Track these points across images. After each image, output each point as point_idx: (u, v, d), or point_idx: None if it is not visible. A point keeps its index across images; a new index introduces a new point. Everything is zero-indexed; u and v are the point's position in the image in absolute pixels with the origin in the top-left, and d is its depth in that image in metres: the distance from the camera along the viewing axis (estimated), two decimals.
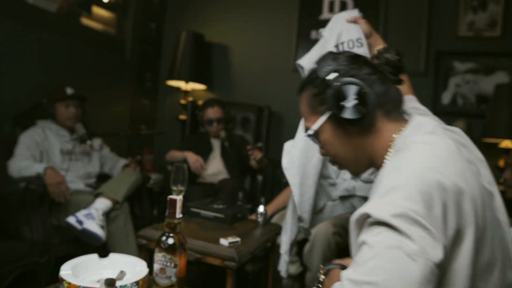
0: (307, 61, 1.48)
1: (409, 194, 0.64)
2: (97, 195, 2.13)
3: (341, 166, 0.90)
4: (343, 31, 1.38)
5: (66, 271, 1.02)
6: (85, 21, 3.03)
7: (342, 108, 0.78)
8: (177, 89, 3.53)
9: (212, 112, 2.74)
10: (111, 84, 3.18)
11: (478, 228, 0.67)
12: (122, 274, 1.10)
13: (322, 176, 1.47)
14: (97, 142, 2.48)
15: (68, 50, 2.73)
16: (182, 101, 3.34)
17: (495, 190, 0.80)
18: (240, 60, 3.51)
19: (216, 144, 2.83)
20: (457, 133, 0.84)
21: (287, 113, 3.31)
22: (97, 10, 3.14)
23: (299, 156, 1.43)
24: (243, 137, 3.05)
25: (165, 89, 3.70)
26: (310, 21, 3.20)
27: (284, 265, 1.59)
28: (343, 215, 1.56)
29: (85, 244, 1.97)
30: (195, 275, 1.71)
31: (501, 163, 2.67)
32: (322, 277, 0.90)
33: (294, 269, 2.16)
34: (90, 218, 1.94)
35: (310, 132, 0.87)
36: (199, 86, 3.43)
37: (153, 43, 3.63)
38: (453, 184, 0.66)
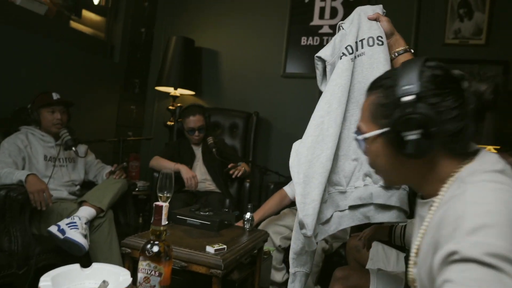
0: (324, 54, 1.36)
1: (503, 233, 0.60)
2: (80, 203, 2.08)
3: (377, 173, 0.86)
4: (364, 27, 1.30)
5: (46, 282, 0.98)
6: (74, 24, 3.00)
7: (402, 136, 0.73)
8: (165, 95, 3.50)
9: (193, 121, 2.72)
10: (98, 89, 3.14)
11: None
12: (104, 284, 1.07)
13: (331, 183, 1.33)
14: (82, 148, 2.43)
15: (55, 54, 2.68)
16: (171, 107, 3.31)
17: None
18: (229, 66, 3.50)
19: (197, 151, 2.81)
20: None
21: (275, 119, 3.30)
22: (86, 14, 3.11)
23: (305, 153, 1.29)
24: (232, 149, 3.03)
25: (153, 95, 3.67)
26: (301, 28, 3.21)
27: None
28: None
29: (67, 254, 1.91)
30: (180, 284, 1.68)
31: None
32: None
33: (281, 276, 2.14)
34: (73, 227, 1.89)
35: (361, 137, 0.83)
36: (188, 92, 3.41)
37: (142, 47, 3.60)
38: None
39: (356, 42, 1.29)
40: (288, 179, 2.50)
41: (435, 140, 0.72)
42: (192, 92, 3.43)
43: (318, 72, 1.38)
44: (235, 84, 3.46)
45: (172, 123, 3.21)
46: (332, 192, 1.34)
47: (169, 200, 1.59)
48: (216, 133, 3.13)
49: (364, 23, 1.30)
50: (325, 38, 3.16)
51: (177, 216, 1.73)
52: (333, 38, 1.36)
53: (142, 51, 3.61)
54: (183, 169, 2.56)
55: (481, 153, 0.77)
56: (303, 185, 1.27)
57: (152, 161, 2.70)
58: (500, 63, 2.91)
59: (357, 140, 0.86)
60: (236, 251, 1.47)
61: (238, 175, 2.65)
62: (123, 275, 1.08)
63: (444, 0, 3.04)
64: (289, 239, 1.62)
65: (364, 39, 1.28)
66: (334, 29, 3.04)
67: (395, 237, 1.44)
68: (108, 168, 2.48)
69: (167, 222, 1.12)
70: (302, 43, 3.25)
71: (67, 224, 1.90)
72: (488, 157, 0.76)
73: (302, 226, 1.27)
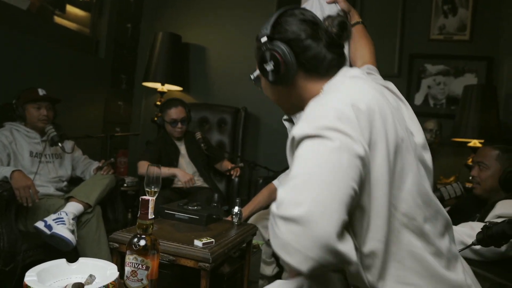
0: None
1: (325, 114, 0.74)
2: (68, 199, 2.07)
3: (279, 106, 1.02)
4: (326, 10, 1.45)
5: (31, 277, 0.98)
6: (59, 20, 2.95)
7: (264, 69, 0.92)
8: (153, 91, 3.49)
9: (175, 113, 2.67)
10: (85, 85, 3.10)
11: (388, 142, 0.76)
12: (91, 278, 1.07)
13: None
14: (69, 144, 2.41)
15: (39, 50, 2.64)
16: (158, 103, 3.29)
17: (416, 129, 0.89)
18: (217, 62, 3.50)
19: (181, 146, 2.78)
20: (388, 83, 0.95)
21: (264, 114, 3.31)
22: (71, 9, 3.06)
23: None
24: (218, 148, 3.04)
25: (141, 91, 3.64)
26: None
27: None
28: None
29: (54, 249, 1.90)
30: (169, 278, 1.68)
31: (469, 161, 2.75)
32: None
33: (270, 270, 2.16)
34: (60, 223, 1.88)
35: (251, 77, 1.03)
36: (175, 88, 3.39)
37: (128, 43, 3.57)
38: (366, 105, 0.75)
39: None
40: (276, 173, 2.52)
41: (288, 70, 0.88)
42: (180, 88, 3.42)
43: None
44: (223, 80, 3.46)
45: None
46: None
47: (156, 194, 1.59)
48: (204, 129, 3.13)
49: (325, 6, 1.47)
50: None
51: (166, 211, 1.74)
52: None
53: (128, 47, 3.58)
54: (180, 173, 2.50)
55: (342, 70, 0.90)
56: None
57: (140, 169, 2.59)
58: (484, 59, 2.97)
59: (253, 81, 1.03)
60: (224, 244, 1.48)
61: (237, 175, 2.67)
62: (110, 269, 1.08)
63: None
64: None
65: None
66: None
67: None
68: (96, 164, 2.46)
69: (153, 216, 1.12)
70: None
71: (54, 220, 1.89)
72: (347, 69, 0.91)
73: None
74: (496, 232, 1.16)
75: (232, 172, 2.66)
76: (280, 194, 0.67)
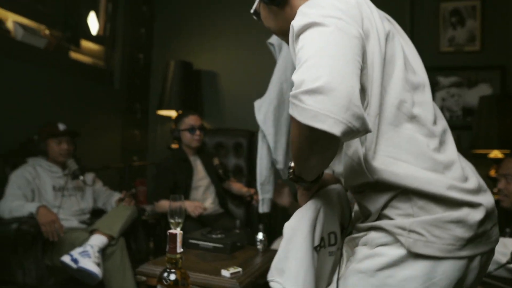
0: (276, 39, 1.91)
1: (318, 5, 0.80)
2: (92, 232, 2.09)
3: (278, 36, 1.11)
4: None
5: None
6: (74, 54, 3.05)
7: None
8: (168, 118, 3.54)
9: (193, 119, 2.62)
10: (101, 116, 3.17)
11: (378, 31, 0.85)
12: None
13: None
14: (89, 177, 2.45)
15: (58, 85, 2.73)
16: (174, 125, 3.33)
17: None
18: (229, 86, 3.55)
19: (195, 161, 2.69)
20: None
21: None
22: (85, 44, 3.16)
23: (273, 112, 1.78)
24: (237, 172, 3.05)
25: (155, 119, 3.70)
26: None
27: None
28: None
29: (81, 283, 1.91)
30: None
31: (492, 173, 2.70)
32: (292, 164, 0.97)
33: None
34: (86, 256, 1.90)
35: (252, 11, 1.09)
36: None
37: (141, 73, 3.66)
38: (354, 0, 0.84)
39: None
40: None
41: None
42: None
43: (273, 50, 1.92)
44: (236, 104, 3.50)
45: (177, 146, 3.22)
46: None
47: (180, 226, 1.60)
48: (221, 154, 3.14)
49: None
50: None
51: (190, 241, 1.74)
52: None
53: (141, 77, 3.66)
54: (187, 204, 2.41)
55: None
56: (274, 135, 1.76)
57: (159, 209, 2.56)
58: (496, 68, 2.95)
59: (254, 16, 1.10)
60: (252, 273, 1.47)
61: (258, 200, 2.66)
62: None
63: (435, 10, 3.10)
64: None
65: None
66: None
67: None
68: (116, 195, 2.49)
69: (182, 250, 1.13)
70: None
71: (79, 253, 1.91)
72: None
73: (275, 162, 1.79)
74: None
75: (255, 197, 2.62)
76: (298, 76, 0.72)
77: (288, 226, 0.98)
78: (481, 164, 2.93)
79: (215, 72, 3.59)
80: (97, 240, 2.02)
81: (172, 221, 1.59)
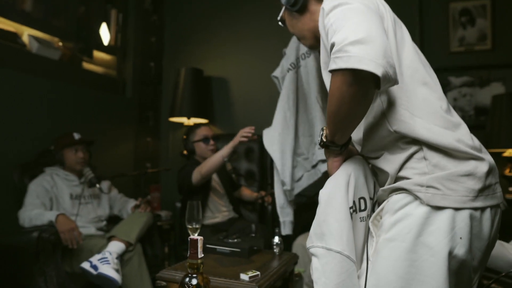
0: (279, 72, 2.06)
1: None
2: (109, 238, 2.13)
3: (301, 41, 1.25)
4: (301, 47, 1.90)
5: None
6: (87, 65, 3.11)
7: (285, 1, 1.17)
8: (179, 125, 3.57)
9: (206, 129, 2.62)
10: (115, 125, 3.22)
11: (389, 17, 1.02)
12: None
13: (297, 153, 1.98)
14: (105, 184, 2.49)
15: (71, 95, 2.78)
16: (185, 136, 3.36)
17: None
18: (239, 92, 3.58)
19: None
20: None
21: None
22: (97, 54, 3.22)
23: (278, 138, 1.94)
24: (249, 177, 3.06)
25: (167, 126, 3.74)
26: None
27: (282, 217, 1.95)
28: None
29: None
30: None
31: (507, 172, 2.68)
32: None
33: None
34: (105, 263, 1.93)
35: (278, 18, 1.26)
36: (201, 121, 3.47)
37: (153, 81, 3.71)
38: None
39: (298, 58, 1.92)
40: (309, 198, 2.51)
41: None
42: (206, 120, 3.50)
43: (276, 82, 2.09)
44: (246, 109, 3.53)
45: None
46: (300, 160, 1.98)
47: (198, 231, 1.62)
48: (233, 159, 3.16)
49: (300, 45, 1.90)
50: None
51: (207, 245, 1.76)
52: (281, 62, 2.05)
53: (153, 85, 3.71)
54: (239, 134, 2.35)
55: None
56: (280, 159, 1.91)
57: (202, 169, 2.37)
58: (509, 66, 2.93)
59: (280, 22, 1.28)
60: (270, 276, 1.48)
61: (269, 202, 2.66)
62: None
63: (445, 10, 3.09)
64: None
65: (300, 55, 1.90)
66: None
67: None
68: (132, 202, 2.53)
69: (202, 255, 1.15)
70: None
71: (99, 260, 1.94)
72: None
73: (283, 184, 1.92)
74: None
75: (266, 199, 2.65)
76: (339, 36, 0.85)
77: (324, 192, 1.06)
78: (496, 163, 2.91)
79: (226, 78, 3.62)
80: (115, 247, 2.05)
81: (189, 226, 1.62)
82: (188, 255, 1.14)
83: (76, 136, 2.34)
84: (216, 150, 2.62)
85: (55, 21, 2.82)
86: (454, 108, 3.05)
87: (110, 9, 3.32)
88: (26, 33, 2.57)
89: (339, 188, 1.04)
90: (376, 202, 1.10)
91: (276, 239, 1.80)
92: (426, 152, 0.94)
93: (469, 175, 0.91)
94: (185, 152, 3.33)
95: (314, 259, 1.04)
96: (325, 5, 0.94)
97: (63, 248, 1.98)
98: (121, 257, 2.08)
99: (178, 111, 3.32)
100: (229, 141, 2.51)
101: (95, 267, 1.91)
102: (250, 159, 3.18)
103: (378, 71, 0.80)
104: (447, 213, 0.90)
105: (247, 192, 2.84)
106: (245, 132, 2.28)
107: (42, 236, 1.87)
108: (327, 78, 1.07)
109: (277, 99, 2.31)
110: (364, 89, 0.85)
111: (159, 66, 3.80)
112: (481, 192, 0.92)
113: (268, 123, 3.01)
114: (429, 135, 0.93)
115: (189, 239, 1.13)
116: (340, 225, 1.01)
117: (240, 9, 3.60)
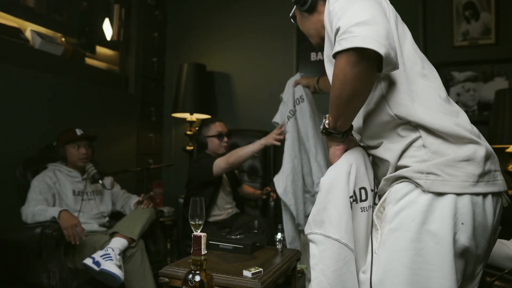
0: (279, 119, 2.26)
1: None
2: (112, 234, 2.13)
3: (310, 40, 1.29)
4: (295, 91, 2.17)
5: None
6: (90, 61, 3.10)
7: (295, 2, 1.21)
8: (182, 120, 3.57)
9: (221, 125, 2.56)
10: (117, 121, 3.22)
11: (391, 14, 1.04)
12: None
13: (306, 191, 2.20)
14: (108, 180, 2.50)
15: (74, 91, 2.77)
16: (188, 132, 3.37)
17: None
18: (242, 87, 3.57)
19: None
20: None
21: None
22: (100, 50, 3.21)
23: (291, 185, 2.13)
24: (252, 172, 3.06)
25: (170, 122, 3.74)
26: (309, 43, 3.23)
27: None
28: None
29: (103, 285, 1.95)
30: None
31: (510, 168, 2.66)
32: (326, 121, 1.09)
33: None
34: (108, 259, 1.93)
35: (290, 14, 1.31)
36: (204, 116, 3.47)
37: (155, 77, 3.70)
38: None
39: (294, 105, 2.16)
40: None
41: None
42: (208, 116, 3.49)
43: (277, 126, 2.27)
44: (249, 104, 3.52)
45: (192, 147, 3.25)
46: (308, 196, 2.20)
47: (201, 227, 1.62)
48: None
49: (295, 90, 2.18)
50: None
51: (210, 242, 1.76)
52: (279, 108, 2.28)
53: (155, 80, 3.70)
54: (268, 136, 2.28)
55: None
56: (295, 205, 2.12)
57: (230, 159, 2.29)
58: None
59: (292, 19, 1.32)
60: (273, 273, 1.48)
61: (274, 198, 2.65)
62: None
63: (448, 4, 3.06)
64: None
65: (296, 99, 2.16)
66: None
67: None
68: (134, 198, 2.53)
69: (206, 252, 1.15)
70: (312, 59, 3.30)
71: (101, 256, 1.94)
72: None
73: (299, 225, 2.14)
74: None
75: (272, 195, 2.63)
76: (345, 19, 0.88)
77: (325, 180, 1.08)
78: (498, 159, 2.89)
79: (228, 74, 3.61)
80: (118, 243, 2.05)
81: (192, 222, 1.61)
82: (191, 251, 1.14)
83: (78, 132, 2.34)
84: (228, 147, 2.58)
85: (58, 16, 2.81)
86: (457, 103, 3.04)
87: (113, 4, 3.31)
88: (29, 28, 2.56)
89: (340, 177, 1.06)
90: (377, 195, 1.11)
91: (279, 236, 1.80)
92: (425, 139, 0.96)
93: (468, 160, 0.92)
94: (188, 147, 3.33)
95: (312, 246, 1.06)
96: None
97: (66, 244, 1.98)
98: (123, 253, 2.09)
99: (180, 107, 3.31)
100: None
101: (97, 263, 1.92)
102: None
103: (381, 50, 0.83)
104: (449, 199, 0.91)
105: (250, 190, 2.84)
106: (278, 136, 2.20)
107: (45, 232, 1.87)
108: (330, 71, 1.07)
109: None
110: (367, 69, 0.88)
111: (162, 61, 3.79)
112: (481, 177, 0.93)
113: (270, 118, 3.02)
114: (429, 119, 0.95)
115: (192, 235, 1.13)
116: (339, 213, 1.02)
117: (242, 4, 3.58)
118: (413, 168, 0.95)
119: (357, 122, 1.10)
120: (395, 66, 0.90)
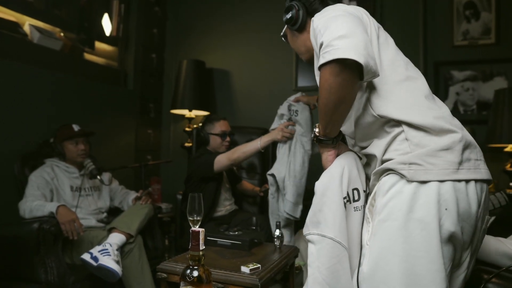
0: (275, 125, 2.29)
1: (331, 8, 1.08)
2: (110, 230, 2.13)
3: (300, 57, 1.35)
4: (292, 106, 2.21)
5: None
6: (88, 56, 3.09)
7: (287, 19, 1.29)
8: (181, 117, 3.56)
9: (225, 124, 2.54)
10: (116, 116, 3.21)
11: (372, 26, 1.11)
12: None
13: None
14: (106, 176, 2.49)
15: (73, 86, 2.76)
16: (187, 129, 3.36)
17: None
18: (241, 84, 3.56)
19: None
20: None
21: None
22: (99, 45, 3.20)
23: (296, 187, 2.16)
24: (250, 169, 3.05)
25: (169, 118, 3.73)
26: None
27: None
28: None
29: (101, 281, 1.95)
30: None
31: (508, 167, 2.67)
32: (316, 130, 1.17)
33: None
34: (106, 254, 1.93)
35: (282, 33, 1.39)
36: (203, 113, 3.46)
37: (154, 73, 3.69)
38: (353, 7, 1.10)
39: (290, 115, 2.21)
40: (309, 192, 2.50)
41: (299, 17, 1.25)
42: (207, 113, 3.48)
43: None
44: (248, 101, 3.51)
45: (190, 144, 3.25)
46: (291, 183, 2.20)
47: (199, 223, 1.62)
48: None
49: (293, 104, 2.23)
50: None
51: (208, 238, 1.76)
52: (275, 118, 2.35)
53: (154, 76, 3.69)
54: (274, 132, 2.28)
55: None
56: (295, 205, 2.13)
57: (233, 155, 2.28)
58: None
59: (282, 37, 1.42)
60: (271, 269, 1.48)
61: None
62: None
63: (449, 3, 3.06)
64: None
65: (292, 112, 2.20)
66: None
67: None
68: (132, 194, 2.52)
69: (204, 247, 1.15)
70: None
71: (99, 251, 1.94)
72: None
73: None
74: None
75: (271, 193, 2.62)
76: (326, 35, 0.96)
77: (320, 184, 1.15)
78: (497, 158, 2.91)
79: (228, 70, 3.61)
80: (116, 239, 2.05)
81: (191, 218, 1.61)
82: (189, 247, 1.14)
83: (76, 127, 2.33)
84: (230, 146, 2.55)
85: (57, 11, 2.80)
86: (457, 102, 3.05)
87: (112, 0, 3.29)
88: (28, 23, 2.55)
89: (334, 180, 1.13)
90: (369, 193, 1.17)
91: (277, 232, 1.79)
92: (408, 133, 1.01)
93: (447, 149, 0.98)
94: (186, 144, 3.32)
95: (310, 245, 1.13)
96: (315, 17, 1.07)
97: (63, 240, 1.98)
98: (121, 248, 2.08)
99: (179, 103, 3.31)
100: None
101: (95, 259, 1.91)
102: None
103: (361, 60, 0.90)
104: (432, 186, 0.96)
105: (249, 187, 2.84)
106: (286, 132, 2.17)
107: (43, 227, 1.87)
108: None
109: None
110: (349, 77, 0.95)
111: (161, 57, 3.78)
112: (461, 164, 0.98)
113: (269, 115, 3.03)
114: (408, 115, 1.01)
115: (190, 231, 1.13)
116: (334, 214, 1.09)
117: (242, 1, 3.57)
118: (397, 160, 1.01)
119: (350, 127, 1.16)
120: (375, 73, 0.97)
